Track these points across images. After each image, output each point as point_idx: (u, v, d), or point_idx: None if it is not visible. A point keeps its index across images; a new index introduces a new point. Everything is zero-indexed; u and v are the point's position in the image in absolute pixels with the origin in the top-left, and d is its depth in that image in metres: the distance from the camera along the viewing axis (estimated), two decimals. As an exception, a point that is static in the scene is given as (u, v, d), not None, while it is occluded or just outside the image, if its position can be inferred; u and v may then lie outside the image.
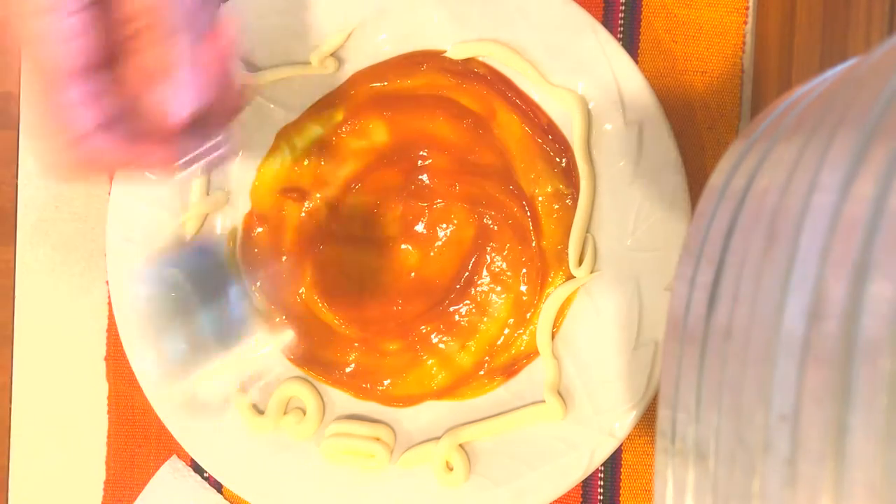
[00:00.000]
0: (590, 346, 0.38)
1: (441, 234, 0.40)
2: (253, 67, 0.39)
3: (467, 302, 0.40)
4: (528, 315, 0.39)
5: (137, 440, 0.43)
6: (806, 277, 0.15)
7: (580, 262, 0.37)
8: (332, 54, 0.39)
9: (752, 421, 0.16)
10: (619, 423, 0.37)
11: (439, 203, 0.40)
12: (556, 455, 0.37)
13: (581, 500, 0.40)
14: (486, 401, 0.39)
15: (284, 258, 0.41)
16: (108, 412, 0.43)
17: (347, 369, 0.40)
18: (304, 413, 0.40)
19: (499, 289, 0.39)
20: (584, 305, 0.38)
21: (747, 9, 0.39)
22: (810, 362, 0.15)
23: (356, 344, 0.40)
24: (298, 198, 0.40)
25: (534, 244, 0.39)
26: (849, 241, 0.15)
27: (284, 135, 0.40)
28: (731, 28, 0.39)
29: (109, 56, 0.25)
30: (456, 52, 0.38)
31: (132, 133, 0.26)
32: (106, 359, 0.44)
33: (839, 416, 0.14)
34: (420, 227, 0.40)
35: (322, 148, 0.40)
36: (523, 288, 0.39)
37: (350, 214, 0.40)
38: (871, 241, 0.14)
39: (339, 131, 0.39)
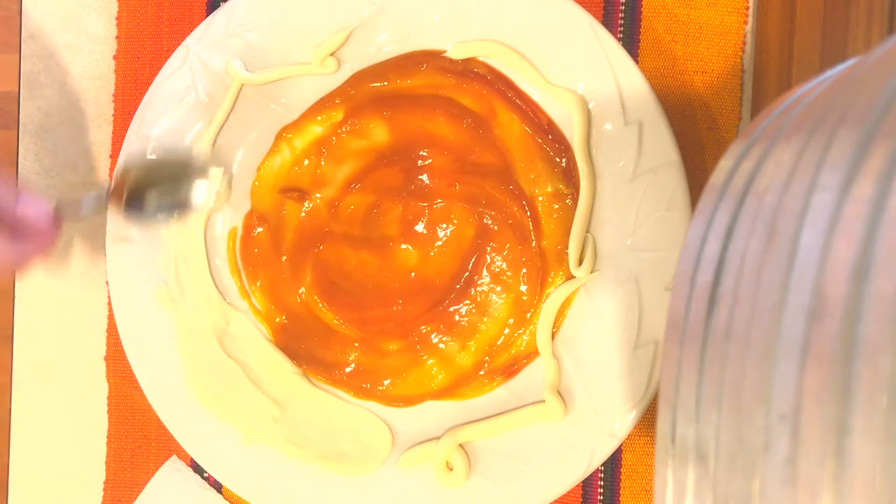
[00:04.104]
0: (590, 346, 0.38)
1: (441, 234, 0.40)
2: (253, 67, 0.39)
3: (467, 302, 0.40)
4: (528, 315, 0.39)
5: (137, 440, 0.43)
6: (806, 277, 0.15)
7: (580, 262, 0.37)
8: (332, 54, 0.39)
9: (752, 421, 0.16)
10: (619, 423, 0.37)
11: (439, 203, 0.40)
12: (556, 455, 0.37)
13: (581, 500, 0.40)
14: (486, 401, 0.39)
15: (284, 258, 0.41)
16: (108, 412, 0.43)
17: (347, 369, 0.40)
18: (304, 413, 0.40)
19: (499, 289, 0.39)
20: (584, 305, 0.38)
21: (747, 9, 0.39)
22: (810, 362, 0.15)
23: (356, 344, 0.40)
24: (298, 198, 0.40)
25: (534, 244, 0.39)
26: (849, 241, 0.15)
27: (284, 135, 0.40)
28: (731, 28, 0.39)
29: None
30: (456, 52, 0.38)
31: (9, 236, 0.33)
32: (106, 359, 0.44)
33: (839, 416, 0.14)
34: (420, 227, 0.40)
35: (322, 148, 0.40)
36: (523, 288, 0.39)
37: (350, 214, 0.40)
38: (871, 241, 0.14)
39: (339, 131, 0.39)
